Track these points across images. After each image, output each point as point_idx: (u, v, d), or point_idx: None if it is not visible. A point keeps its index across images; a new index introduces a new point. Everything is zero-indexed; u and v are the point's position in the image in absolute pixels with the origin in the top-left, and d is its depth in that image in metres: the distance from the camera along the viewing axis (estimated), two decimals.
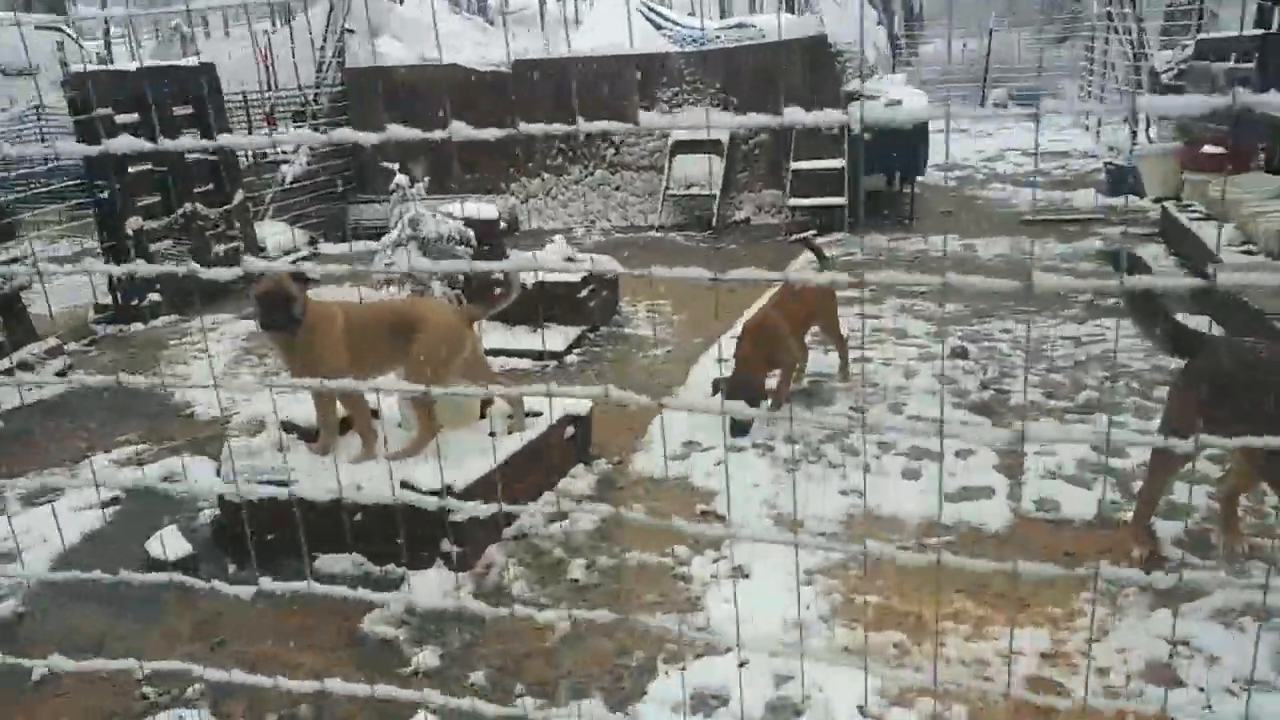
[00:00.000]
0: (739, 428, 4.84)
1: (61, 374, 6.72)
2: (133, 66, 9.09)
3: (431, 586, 3.82)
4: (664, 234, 10.43)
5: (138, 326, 7.96)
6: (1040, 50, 23.59)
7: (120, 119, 8.27)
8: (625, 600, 3.60)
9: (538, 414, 4.63)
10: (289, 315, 3.99)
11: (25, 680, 3.43)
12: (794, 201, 9.95)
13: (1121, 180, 10.33)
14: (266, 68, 11.17)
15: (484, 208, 7.55)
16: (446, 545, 3.94)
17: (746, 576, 3.67)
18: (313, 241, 10.92)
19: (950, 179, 12.07)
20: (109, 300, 8.17)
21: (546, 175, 11.57)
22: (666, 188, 10.77)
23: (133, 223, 8.27)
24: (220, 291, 8.73)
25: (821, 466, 4.50)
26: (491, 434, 4.50)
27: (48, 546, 4.32)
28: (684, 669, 3.17)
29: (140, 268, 1.84)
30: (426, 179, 5.28)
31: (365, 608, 3.70)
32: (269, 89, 11.16)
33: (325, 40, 11.94)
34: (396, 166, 4.86)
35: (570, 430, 4.73)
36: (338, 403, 4.39)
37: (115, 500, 4.83)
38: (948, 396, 5.17)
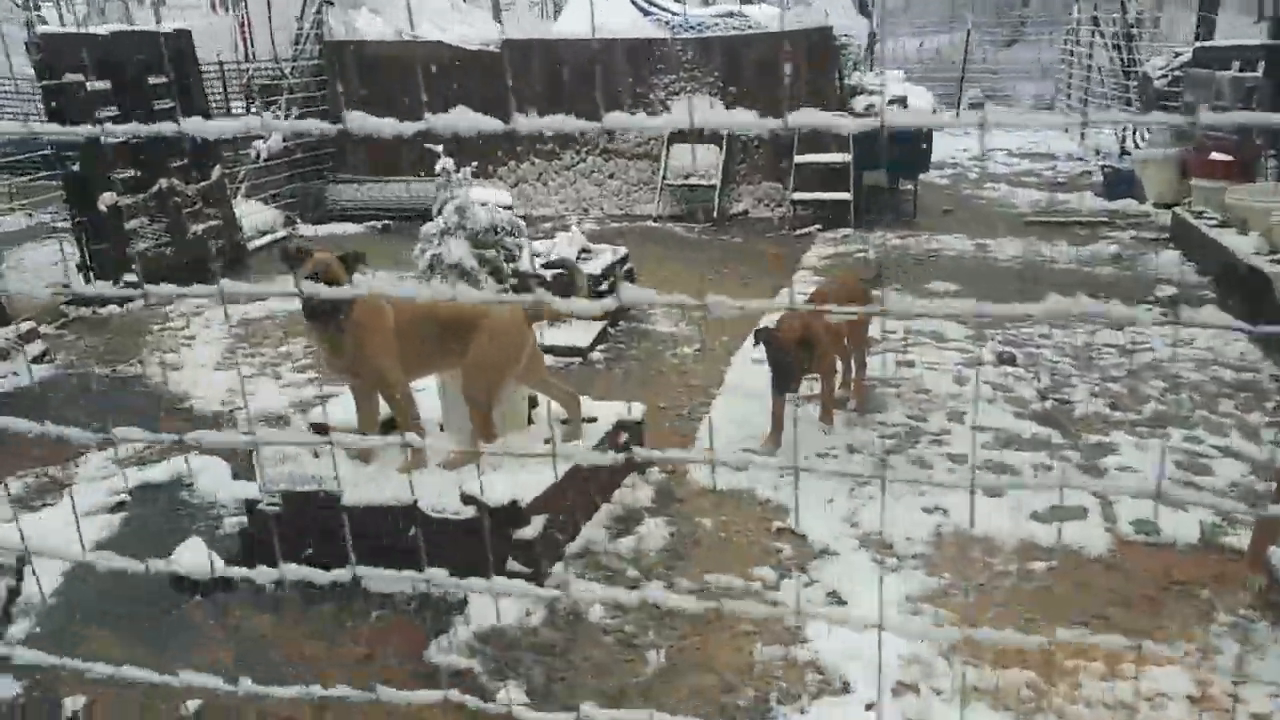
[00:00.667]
0: (784, 384, 4.52)
1: (38, 360, 6.19)
2: (104, 30, 8.47)
3: (494, 610, 3.49)
4: (662, 224, 10.14)
5: (113, 309, 7.41)
6: (995, 52, 23.79)
7: (91, 86, 7.69)
8: (717, 629, 3.32)
9: (593, 419, 4.32)
10: (335, 303, 3.60)
11: (56, 716, 3.04)
12: (797, 195, 9.73)
13: (1119, 184, 10.33)
14: (244, 37, 10.57)
15: (498, 193, 7.19)
16: (513, 564, 3.63)
17: (844, 604, 3.43)
18: (289, 221, 10.38)
19: (942, 178, 11.97)
20: (81, 280, 7.61)
21: (537, 160, 11.18)
22: (664, 178, 10.47)
23: (106, 199, 7.69)
24: (202, 274, 8.21)
25: (889, 480, 4.26)
26: (547, 440, 4.17)
27: (53, 561, 3.87)
28: (803, 712, 2.91)
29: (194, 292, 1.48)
30: (474, 164, 4.90)
31: (432, 633, 3.38)
32: (247, 60, 10.55)
33: (303, 12, 11.35)
34: (441, 149, 4.47)
35: (624, 437, 4.43)
36: (380, 403, 4.02)
37: (122, 504, 4.39)
38: (1006, 406, 4.98)
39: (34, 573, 3.80)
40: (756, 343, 4.67)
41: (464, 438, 4.09)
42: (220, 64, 10.11)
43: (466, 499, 3.62)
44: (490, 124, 1.20)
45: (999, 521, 3.85)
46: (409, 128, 1.24)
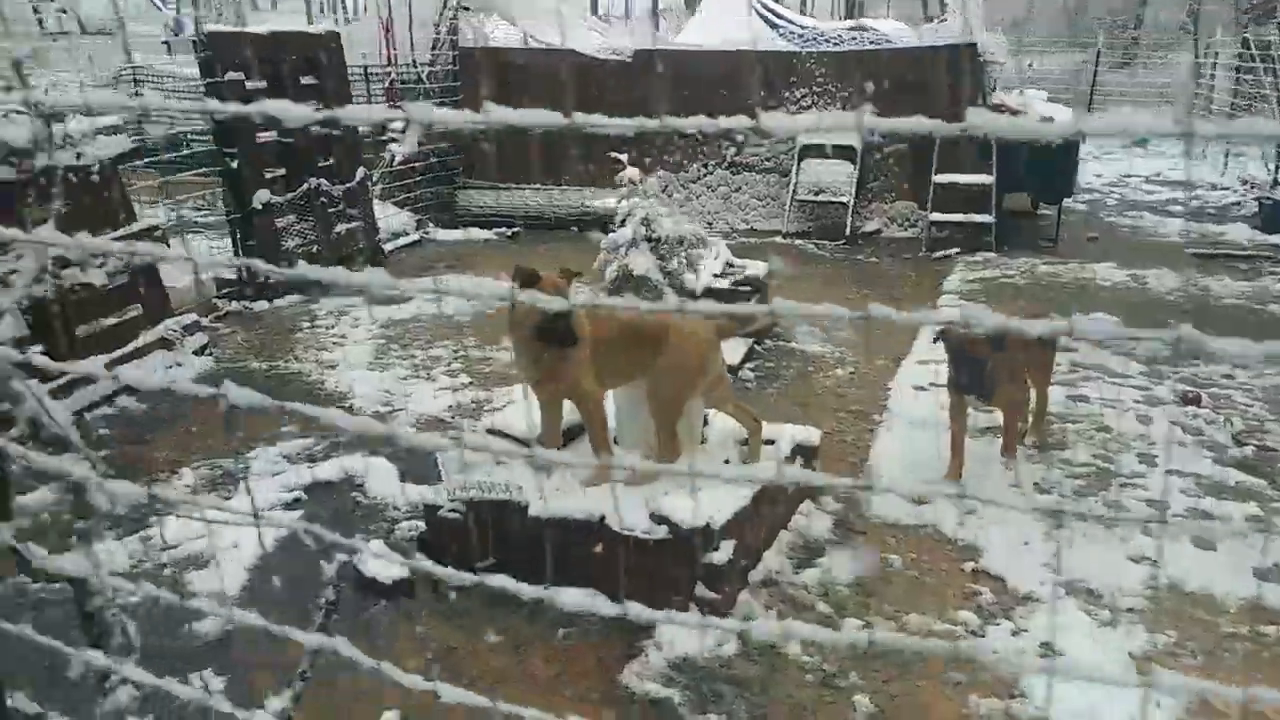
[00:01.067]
0: (967, 381, 4.27)
1: (200, 352, 6.36)
2: (265, 29, 8.73)
3: (687, 636, 3.39)
4: (790, 241, 9.96)
5: (262, 304, 7.60)
6: (1103, 74, 22.84)
7: (250, 84, 7.92)
8: (924, 676, 3.16)
9: (770, 442, 4.20)
10: (571, 328, 3.53)
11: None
12: (936, 216, 9.45)
13: (1277, 217, 9.77)
14: (386, 41, 10.79)
15: (606, 203, 7.12)
16: (701, 589, 3.52)
17: (1060, 655, 3.22)
18: (421, 225, 10.54)
19: (1080, 203, 11.51)
20: (232, 275, 7.82)
21: (664, 172, 11.11)
22: (793, 193, 10.31)
23: (261, 196, 7.91)
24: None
25: (1089, 524, 4.03)
26: (726, 461, 4.07)
27: (239, 553, 3.92)
28: None
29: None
30: (656, 177, 4.84)
31: (623, 657, 3.29)
32: (389, 63, 10.77)
33: (440, 16, 11.55)
34: (626, 157, 4.43)
35: (800, 463, 4.29)
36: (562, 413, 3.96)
37: (297, 502, 4.44)
38: (1202, 452, 4.68)
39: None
40: (936, 340, 4.48)
41: (640, 452, 4.01)
42: (364, 67, 10.33)
43: (657, 518, 3.53)
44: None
45: (1219, 577, 3.59)
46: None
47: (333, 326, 7.08)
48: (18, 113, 5.50)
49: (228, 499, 4.50)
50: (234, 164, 7.81)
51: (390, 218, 10.06)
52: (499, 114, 1.12)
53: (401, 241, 9.90)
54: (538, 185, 11.06)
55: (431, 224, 10.64)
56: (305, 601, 3.67)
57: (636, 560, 3.50)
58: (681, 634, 3.35)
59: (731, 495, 3.65)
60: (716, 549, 3.52)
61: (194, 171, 8.92)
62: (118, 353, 5.90)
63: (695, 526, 3.48)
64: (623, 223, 4.24)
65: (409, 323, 7.09)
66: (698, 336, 3.80)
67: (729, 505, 3.60)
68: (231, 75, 7.85)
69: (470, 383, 5.89)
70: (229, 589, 3.75)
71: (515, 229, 10.55)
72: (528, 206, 10.87)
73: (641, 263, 4.10)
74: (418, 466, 4.67)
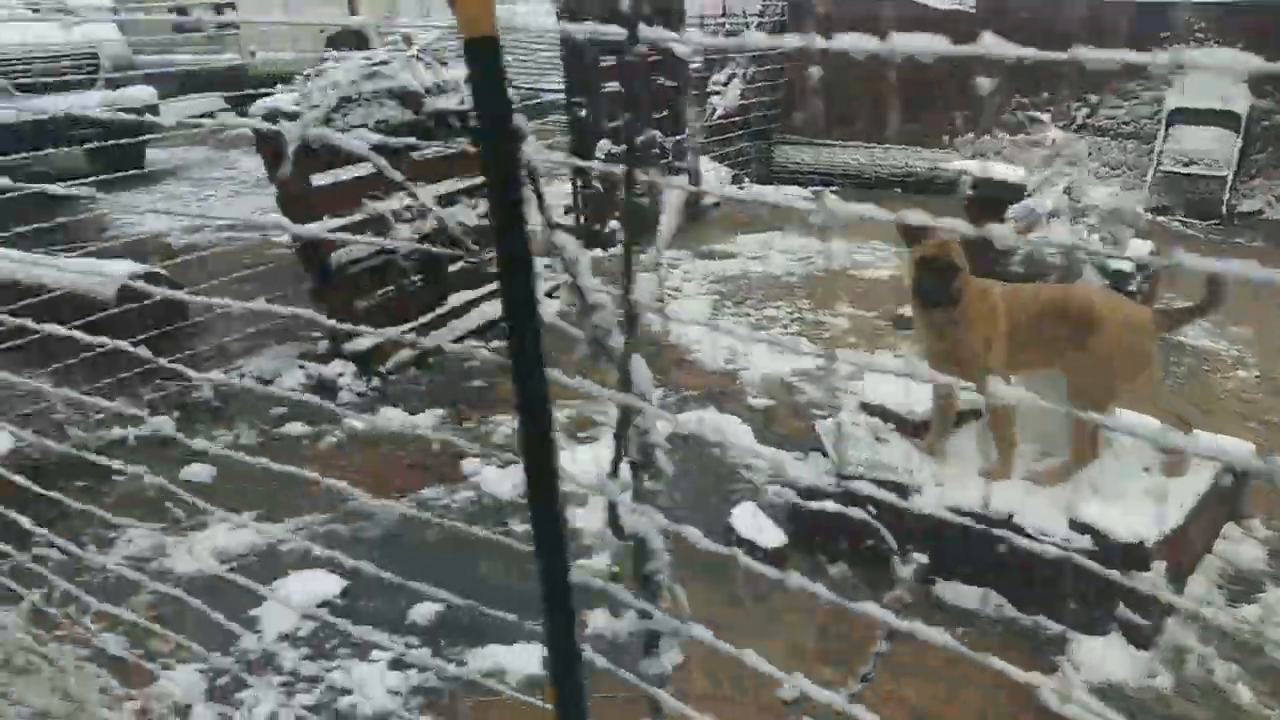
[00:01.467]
0: None
1: (549, 294, 6.63)
2: None
3: (1106, 660, 3.03)
4: (1151, 217, 8.86)
5: (597, 252, 7.81)
6: None
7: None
8: None
9: None
10: (952, 288, 3.28)
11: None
12: None
13: None
14: None
15: (1005, 169, 6.54)
16: (1124, 611, 3.13)
17: None
18: (737, 180, 10.45)
19: None
20: (568, 222, 8.11)
21: (999, 133, 10.27)
22: (1158, 163, 9.15)
23: (603, 145, 8.09)
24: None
25: None
26: (1145, 470, 3.60)
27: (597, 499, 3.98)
28: None
29: None
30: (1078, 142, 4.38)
31: (1032, 670, 2.99)
32: (723, 15, 10.73)
33: None
34: (1048, 117, 4.00)
35: (1229, 480, 3.72)
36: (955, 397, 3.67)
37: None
38: None
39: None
40: None
41: (1035, 449, 3.64)
42: (700, 17, 10.33)
43: (1079, 526, 3.16)
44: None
45: None
46: None
47: (665, 278, 7.14)
48: (417, 58, 5.91)
49: (587, 442, 4.63)
50: (582, 113, 8.05)
51: (709, 172, 10.04)
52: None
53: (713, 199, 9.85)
54: (859, 143, 10.62)
55: (747, 179, 10.52)
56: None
57: (1048, 570, 3.17)
58: (1102, 656, 3.00)
59: (1161, 509, 3.21)
60: (1147, 569, 3.11)
61: (539, 120, 9.33)
62: (481, 290, 6.27)
63: (1127, 541, 3.08)
64: (1035, 190, 3.83)
65: (739, 279, 7.02)
66: (1136, 322, 3.35)
67: (1162, 520, 3.17)
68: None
69: (811, 351, 5.69)
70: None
71: (834, 188, 10.20)
72: (847, 165, 10.48)
73: (1059, 235, 3.69)
74: (766, 428, 4.59)
